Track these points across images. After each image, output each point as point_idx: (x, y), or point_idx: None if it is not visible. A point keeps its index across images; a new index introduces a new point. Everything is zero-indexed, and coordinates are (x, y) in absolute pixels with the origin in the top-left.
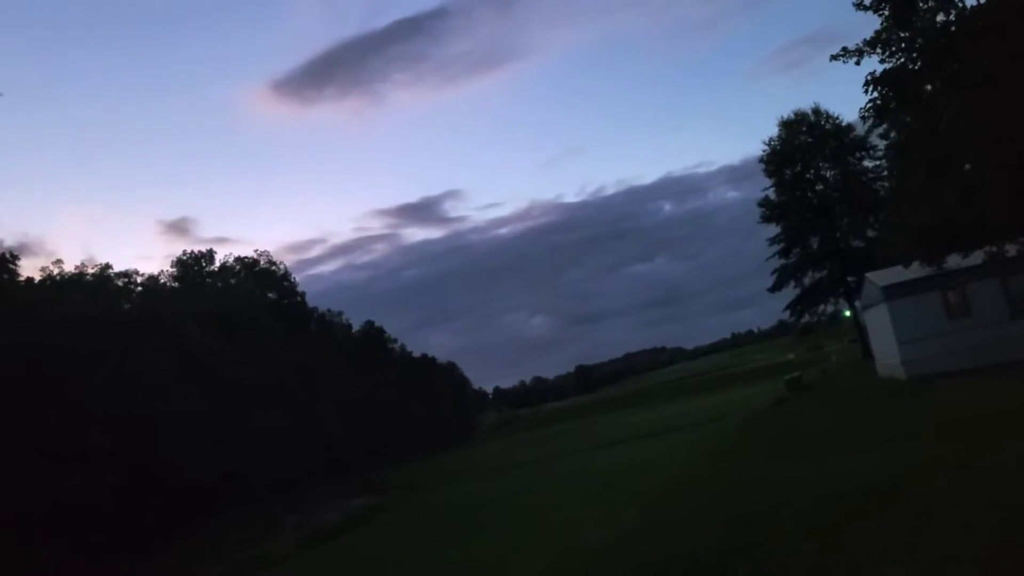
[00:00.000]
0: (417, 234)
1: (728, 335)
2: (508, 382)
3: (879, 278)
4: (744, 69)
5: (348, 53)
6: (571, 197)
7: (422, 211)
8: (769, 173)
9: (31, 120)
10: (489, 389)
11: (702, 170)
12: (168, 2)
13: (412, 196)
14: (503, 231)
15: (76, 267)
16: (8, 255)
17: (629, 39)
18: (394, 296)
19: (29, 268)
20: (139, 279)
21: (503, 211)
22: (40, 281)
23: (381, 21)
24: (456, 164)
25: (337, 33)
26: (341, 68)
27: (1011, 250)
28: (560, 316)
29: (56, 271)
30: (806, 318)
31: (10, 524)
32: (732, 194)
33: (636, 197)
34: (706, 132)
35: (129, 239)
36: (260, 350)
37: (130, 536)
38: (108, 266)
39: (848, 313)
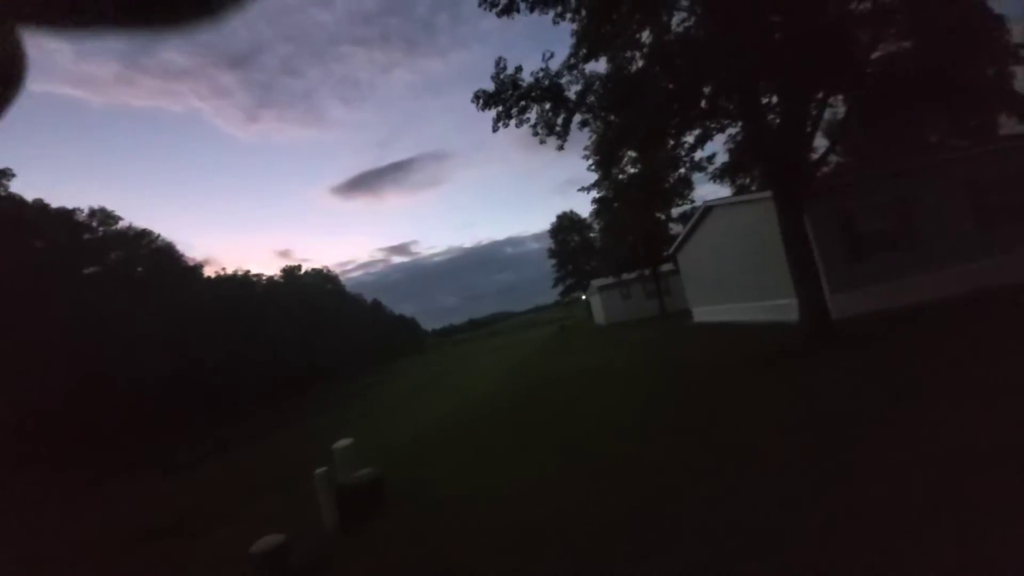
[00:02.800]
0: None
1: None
2: None
3: (596, 282)
4: None
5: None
6: None
7: None
8: (552, 236)
9: None
10: None
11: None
12: None
13: None
14: None
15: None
16: (198, 265)
17: None
18: None
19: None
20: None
21: None
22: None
23: None
24: None
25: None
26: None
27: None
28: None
29: (223, 273)
30: (567, 299)
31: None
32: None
33: None
34: None
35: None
36: None
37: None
38: (248, 271)
39: (584, 297)
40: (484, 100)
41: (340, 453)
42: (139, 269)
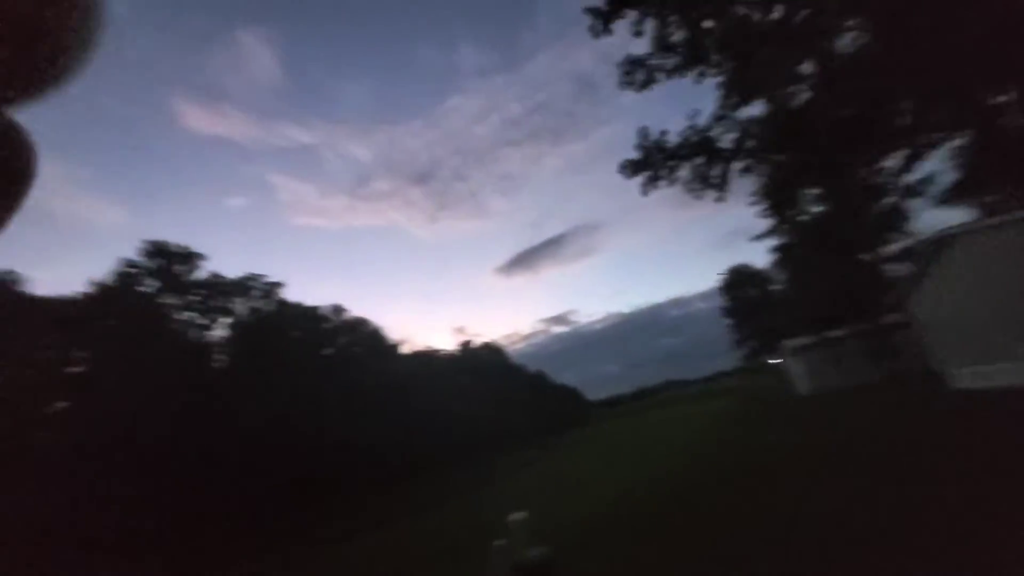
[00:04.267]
0: None
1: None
2: None
3: (791, 343)
4: None
5: None
6: None
7: None
8: (724, 292)
9: None
10: None
11: None
12: None
13: None
14: None
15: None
16: (396, 343)
17: None
18: None
19: None
20: None
21: None
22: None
23: None
24: None
25: None
26: None
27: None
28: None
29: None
30: (754, 364)
31: None
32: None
33: None
34: None
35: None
36: None
37: None
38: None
39: (775, 361)
40: (632, 168)
41: (515, 526)
42: (356, 349)
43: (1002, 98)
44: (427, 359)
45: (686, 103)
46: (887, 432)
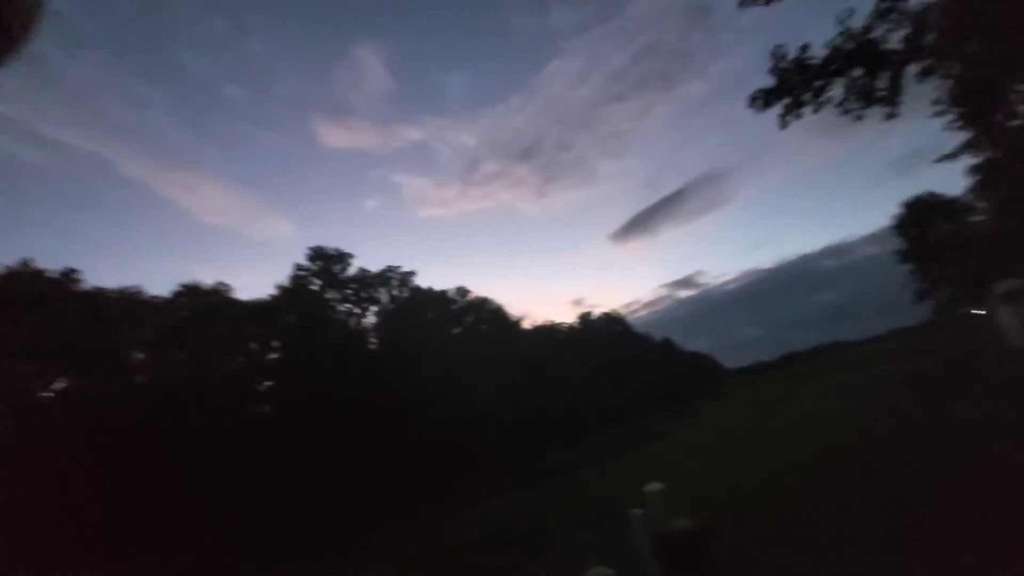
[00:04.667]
0: None
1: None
2: None
3: (1002, 286)
4: None
5: None
6: None
7: None
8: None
9: None
10: None
11: None
12: None
13: None
14: None
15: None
16: (518, 320)
17: None
18: None
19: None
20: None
21: None
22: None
23: None
24: None
25: None
26: None
27: None
28: None
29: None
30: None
31: None
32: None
33: None
34: None
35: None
36: None
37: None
38: (552, 321)
39: (979, 312)
40: (765, 98)
41: (651, 496)
42: (483, 327)
43: None
44: (548, 333)
45: (828, 8)
46: None
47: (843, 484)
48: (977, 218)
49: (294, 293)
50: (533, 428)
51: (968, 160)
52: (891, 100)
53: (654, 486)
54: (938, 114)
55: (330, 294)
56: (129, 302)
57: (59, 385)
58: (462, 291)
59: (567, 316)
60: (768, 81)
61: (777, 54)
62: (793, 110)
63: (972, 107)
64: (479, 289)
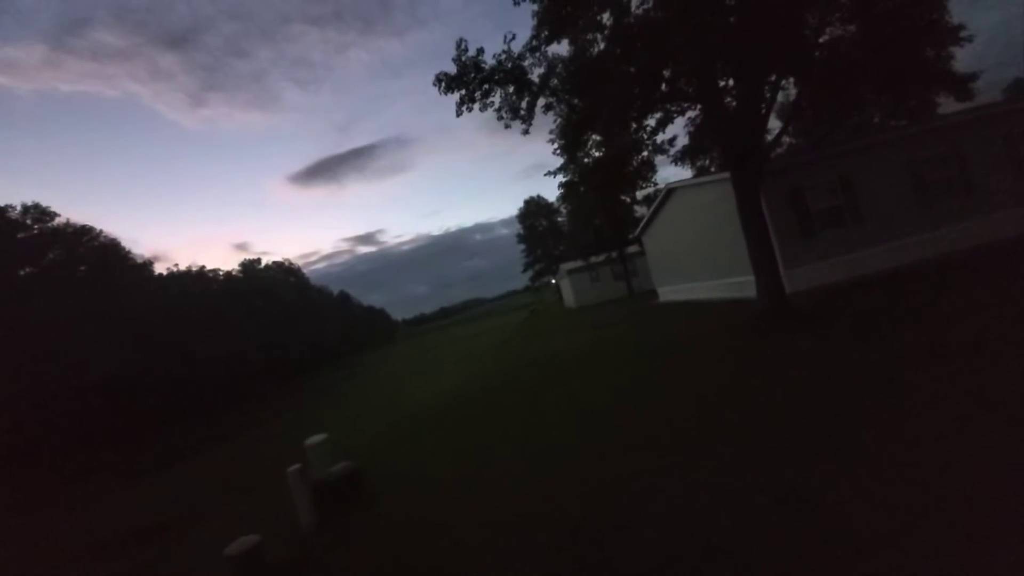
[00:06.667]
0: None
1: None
2: None
3: (565, 266)
4: None
5: None
6: None
7: None
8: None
9: None
10: None
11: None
12: None
13: None
14: None
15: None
16: (147, 262)
17: None
18: None
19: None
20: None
21: None
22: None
23: None
24: None
25: None
26: None
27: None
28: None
29: (176, 269)
30: (537, 284)
31: None
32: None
33: None
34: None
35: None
36: None
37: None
38: (203, 267)
39: (554, 281)
40: (446, 83)
41: (313, 449)
42: (81, 268)
43: (727, 81)
44: (199, 280)
45: (505, 23)
46: (620, 329)
47: (475, 403)
48: (561, 219)
49: None
50: (182, 394)
51: (561, 178)
52: (527, 120)
53: (316, 438)
54: (551, 140)
55: None
56: None
57: None
58: (40, 212)
59: (230, 263)
60: (451, 68)
61: (460, 46)
62: (466, 102)
63: (565, 143)
64: (77, 214)
